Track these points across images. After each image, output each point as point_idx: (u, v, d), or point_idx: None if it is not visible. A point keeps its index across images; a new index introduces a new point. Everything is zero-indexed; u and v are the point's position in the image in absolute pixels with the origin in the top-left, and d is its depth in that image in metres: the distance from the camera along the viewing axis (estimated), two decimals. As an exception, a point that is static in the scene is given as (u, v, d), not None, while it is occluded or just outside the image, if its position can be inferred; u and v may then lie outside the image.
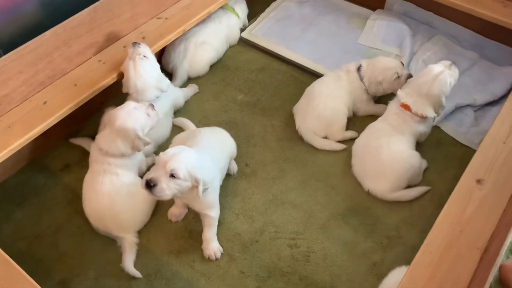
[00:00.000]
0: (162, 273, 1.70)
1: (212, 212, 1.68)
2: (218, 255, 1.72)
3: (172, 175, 1.44)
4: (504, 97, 2.19)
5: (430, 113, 1.87)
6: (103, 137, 1.73)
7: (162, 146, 2.01)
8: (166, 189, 1.45)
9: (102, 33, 2.02)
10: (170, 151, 1.48)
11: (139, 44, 1.89)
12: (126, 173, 1.74)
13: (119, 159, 1.71)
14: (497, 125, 1.79)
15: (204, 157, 1.56)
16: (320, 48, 2.48)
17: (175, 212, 1.82)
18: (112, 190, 1.70)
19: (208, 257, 1.72)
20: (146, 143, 1.74)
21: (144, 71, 1.87)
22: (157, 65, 1.95)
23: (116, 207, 1.69)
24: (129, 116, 1.69)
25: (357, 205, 1.89)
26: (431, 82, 1.84)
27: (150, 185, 1.44)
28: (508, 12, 2.19)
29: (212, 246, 1.72)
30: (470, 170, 1.64)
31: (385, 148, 1.84)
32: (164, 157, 1.46)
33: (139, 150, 1.75)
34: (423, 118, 1.87)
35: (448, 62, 1.90)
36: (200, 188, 1.49)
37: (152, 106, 1.78)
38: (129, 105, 1.74)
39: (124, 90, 1.93)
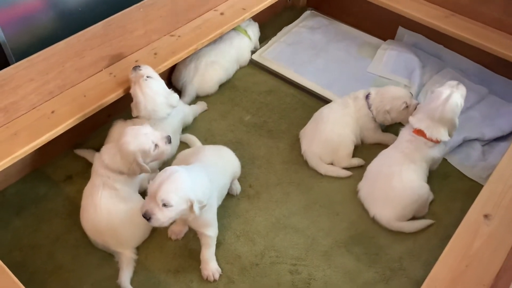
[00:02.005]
0: (158, 292, 1.66)
1: (209, 231, 1.65)
2: (217, 276, 1.69)
3: (164, 205, 1.43)
4: (512, 133, 2.19)
5: (444, 137, 1.86)
6: (108, 150, 1.72)
7: (168, 163, 1.98)
8: (162, 218, 1.45)
9: (115, 47, 2.03)
10: (158, 178, 1.45)
11: (139, 67, 1.89)
12: (126, 189, 1.71)
13: (118, 175, 1.69)
14: (506, 160, 1.78)
15: (197, 175, 1.53)
16: (329, 74, 2.49)
17: (175, 230, 1.79)
18: (111, 205, 1.67)
19: (206, 278, 1.69)
20: (144, 171, 1.70)
21: (151, 91, 1.86)
22: (163, 82, 1.94)
23: (115, 222, 1.66)
24: (134, 139, 1.66)
25: (361, 233, 1.86)
26: (443, 106, 1.84)
27: (146, 218, 1.46)
28: (518, 48, 2.20)
29: (211, 266, 1.69)
30: (478, 204, 1.62)
31: (396, 176, 1.83)
32: (153, 187, 1.45)
33: (134, 174, 1.71)
34: (437, 142, 1.86)
35: (454, 83, 1.91)
36: (195, 207, 1.47)
37: (169, 138, 1.72)
38: (142, 128, 1.68)
39: (134, 114, 1.92)
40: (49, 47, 1.81)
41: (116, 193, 1.68)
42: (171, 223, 1.75)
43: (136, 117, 1.92)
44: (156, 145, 1.69)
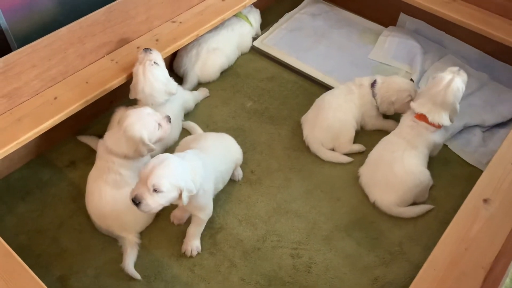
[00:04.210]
0: (161, 276, 1.68)
1: (202, 214, 1.68)
2: (194, 253, 1.72)
3: (155, 190, 1.44)
4: (513, 119, 2.20)
5: (446, 121, 1.88)
6: (111, 135, 1.73)
7: (171, 149, 2.00)
8: (152, 204, 1.45)
9: (116, 33, 2.04)
10: (150, 164, 1.46)
11: (150, 50, 1.90)
12: (130, 174, 1.72)
13: (123, 160, 1.70)
14: (506, 146, 1.78)
15: (189, 163, 1.53)
16: (330, 61, 2.49)
17: (178, 215, 1.81)
18: (115, 190, 1.69)
19: (184, 252, 1.71)
20: (151, 150, 1.73)
21: (153, 77, 1.87)
22: (166, 71, 1.95)
23: (119, 207, 1.67)
24: (138, 120, 1.68)
25: (361, 218, 1.88)
26: (444, 91, 1.85)
27: (135, 202, 1.45)
28: (521, 35, 2.20)
29: (192, 243, 1.72)
30: (477, 189, 1.63)
31: (398, 161, 1.84)
32: (144, 172, 1.45)
33: (142, 155, 1.73)
34: (439, 127, 1.88)
35: (455, 68, 1.92)
36: (184, 196, 1.48)
37: (169, 118, 1.76)
38: (144, 109, 1.72)
39: (132, 96, 1.93)
40: (51, 33, 1.81)
41: (121, 178, 1.70)
42: (173, 209, 1.78)
43: (136, 104, 1.94)
44: (159, 124, 1.71)
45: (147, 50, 1.90)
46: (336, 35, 2.65)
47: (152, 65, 1.87)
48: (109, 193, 1.68)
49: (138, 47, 2.08)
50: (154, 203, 1.45)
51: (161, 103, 1.92)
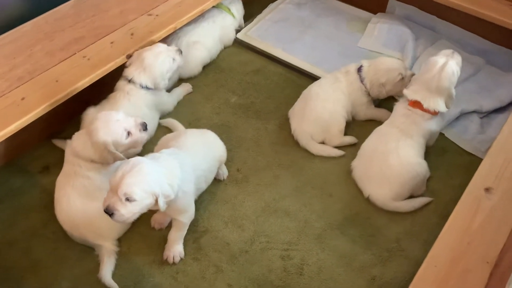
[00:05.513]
0: (142, 285, 1.57)
1: (183, 217, 1.57)
2: (177, 259, 1.62)
3: (127, 199, 1.34)
4: (511, 103, 2.09)
5: (442, 107, 1.78)
6: (79, 136, 1.62)
7: (146, 148, 1.88)
8: (126, 213, 1.36)
9: (88, 28, 1.93)
10: (119, 171, 1.35)
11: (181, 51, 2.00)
12: (100, 178, 1.61)
13: (90, 163, 1.59)
14: (506, 131, 1.71)
15: (164, 165, 1.43)
16: (318, 51, 2.39)
17: (159, 219, 1.70)
18: (84, 195, 1.58)
19: (166, 259, 1.61)
20: (118, 159, 1.61)
21: (156, 63, 1.90)
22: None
23: (90, 213, 1.56)
24: (105, 126, 1.57)
25: (355, 214, 1.77)
26: (439, 75, 1.75)
27: (108, 213, 1.36)
28: (515, 14, 2.10)
29: (175, 248, 1.62)
30: (478, 178, 1.55)
31: (393, 153, 1.75)
32: (114, 180, 1.34)
33: (107, 163, 1.62)
34: (435, 114, 1.77)
35: (449, 51, 1.83)
36: (161, 201, 1.38)
37: (144, 125, 1.65)
38: (114, 114, 1.60)
39: (128, 64, 1.92)
40: (14, 29, 1.70)
41: (90, 182, 1.59)
42: (154, 212, 1.66)
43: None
44: (129, 133, 1.60)
45: (177, 50, 1.97)
46: (323, 24, 2.55)
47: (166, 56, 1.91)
48: (78, 199, 1.57)
49: (112, 42, 1.96)
50: (128, 212, 1.36)
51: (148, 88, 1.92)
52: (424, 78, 1.78)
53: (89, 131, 1.57)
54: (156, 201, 1.39)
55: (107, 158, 1.58)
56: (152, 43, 2.00)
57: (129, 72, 1.89)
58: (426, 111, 1.77)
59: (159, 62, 1.88)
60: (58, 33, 1.81)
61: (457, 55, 1.83)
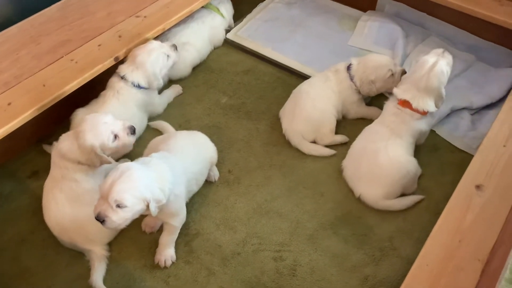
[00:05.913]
0: (133, 290, 1.55)
1: (175, 221, 1.56)
2: (168, 263, 1.60)
3: (118, 206, 1.32)
4: (502, 99, 2.08)
5: (431, 107, 1.77)
6: (65, 138, 1.59)
7: (135, 151, 1.85)
8: (117, 220, 1.34)
9: (75, 31, 1.90)
10: (109, 177, 1.33)
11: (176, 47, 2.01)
12: (89, 180, 1.59)
13: (77, 165, 1.57)
14: (496, 127, 1.69)
15: (154, 169, 1.41)
16: (309, 50, 2.38)
17: (150, 223, 1.68)
18: (73, 198, 1.56)
19: (157, 263, 1.60)
20: (105, 162, 1.58)
21: (154, 62, 1.90)
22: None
23: (79, 217, 1.54)
24: (92, 129, 1.54)
25: (347, 214, 1.76)
26: (428, 74, 1.74)
27: (100, 220, 1.34)
28: (505, 10, 2.09)
29: (166, 252, 1.60)
30: (469, 175, 1.54)
31: (382, 152, 1.73)
32: (104, 187, 1.32)
33: (94, 166, 1.59)
34: (424, 114, 1.76)
35: (440, 50, 1.82)
36: (152, 206, 1.36)
37: (132, 129, 1.63)
38: (102, 117, 1.58)
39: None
40: (-1, 33, 1.67)
41: (77, 185, 1.57)
42: (144, 216, 1.64)
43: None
44: (116, 136, 1.57)
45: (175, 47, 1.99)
46: (313, 23, 2.54)
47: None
48: (66, 203, 1.55)
49: (99, 45, 1.93)
50: (120, 219, 1.35)
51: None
52: (413, 77, 1.77)
53: (76, 133, 1.55)
54: (148, 206, 1.37)
55: (94, 160, 1.56)
56: (140, 44, 1.98)
57: (122, 69, 1.87)
58: (415, 110, 1.76)
59: (152, 59, 1.86)
60: (44, 37, 1.79)
61: (448, 54, 1.82)
